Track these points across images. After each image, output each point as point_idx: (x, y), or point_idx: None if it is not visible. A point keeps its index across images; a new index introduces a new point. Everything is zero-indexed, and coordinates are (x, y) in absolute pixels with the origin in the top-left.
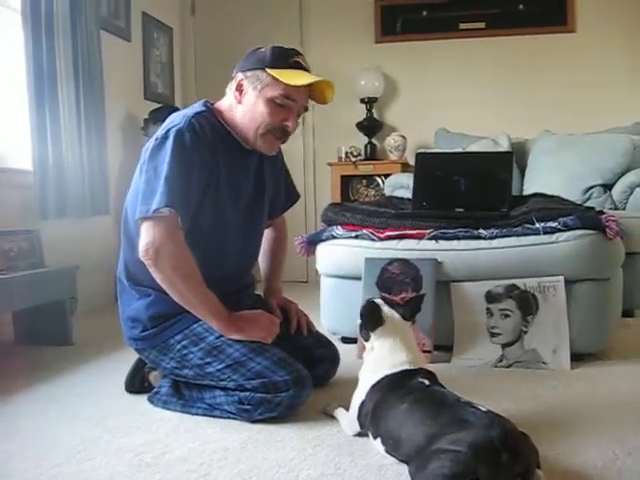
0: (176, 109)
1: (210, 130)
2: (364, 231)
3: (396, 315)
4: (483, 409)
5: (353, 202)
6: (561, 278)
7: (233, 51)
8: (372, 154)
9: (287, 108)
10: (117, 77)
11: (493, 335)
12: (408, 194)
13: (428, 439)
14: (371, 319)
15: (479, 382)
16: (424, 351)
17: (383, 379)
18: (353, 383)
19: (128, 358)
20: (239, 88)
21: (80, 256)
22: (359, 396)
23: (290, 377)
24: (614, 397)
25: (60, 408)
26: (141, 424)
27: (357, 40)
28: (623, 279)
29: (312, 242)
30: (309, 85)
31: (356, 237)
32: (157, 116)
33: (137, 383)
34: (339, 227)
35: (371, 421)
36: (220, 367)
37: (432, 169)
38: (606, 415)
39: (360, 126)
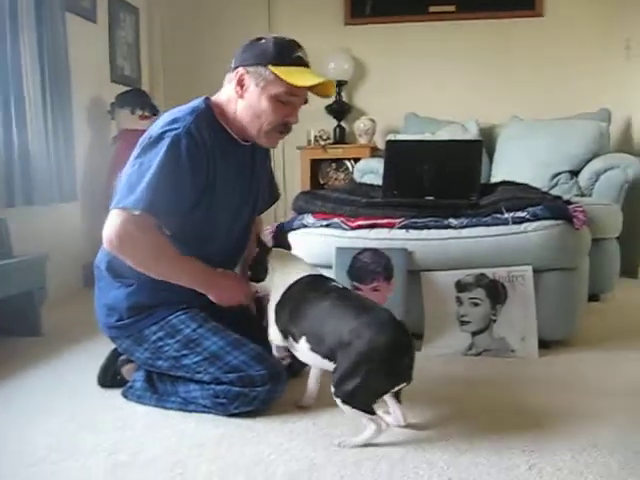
0: (143, 93)
1: (207, 131)
2: (335, 220)
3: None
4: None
5: (323, 186)
6: (529, 268)
7: (200, 32)
8: (341, 138)
9: (290, 104)
10: (83, 60)
11: (463, 323)
12: (378, 179)
13: (350, 334)
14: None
15: (449, 370)
16: None
17: (299, 280)
18: (327, 374)
19: (99, 349)
20: (240, 83)
21: (49, 244)
22: (275, 299)
23: (267, 372)
24: (581, 385)
25: (31, 402)
26: (115, 420)
27: (326, 22)
28: (589, 265)
29: (283, 231)
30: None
31: (327, 226)
32: (124, 100)
33: (109, 377)
34: (310, 216)
35: (293, 321)
36: (197, 359)
37: (402, 157)
38: (574, 404)
39: (329, 109)
